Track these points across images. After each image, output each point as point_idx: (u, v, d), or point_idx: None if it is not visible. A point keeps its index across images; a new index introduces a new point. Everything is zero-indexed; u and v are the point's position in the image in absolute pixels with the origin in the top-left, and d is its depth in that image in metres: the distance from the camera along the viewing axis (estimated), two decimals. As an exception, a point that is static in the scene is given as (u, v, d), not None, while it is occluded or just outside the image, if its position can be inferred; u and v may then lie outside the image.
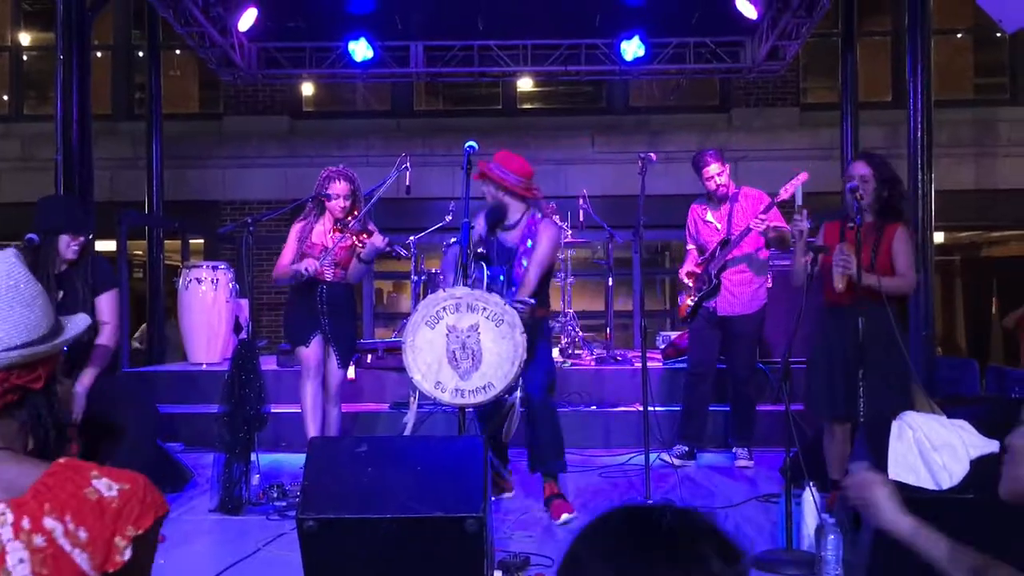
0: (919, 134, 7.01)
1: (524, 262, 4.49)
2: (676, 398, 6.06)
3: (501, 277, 4.38)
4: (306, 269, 4.86)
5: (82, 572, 1.26)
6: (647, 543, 1.00)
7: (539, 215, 4.62)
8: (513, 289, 4.35)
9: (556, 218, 5.36)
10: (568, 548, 1.05)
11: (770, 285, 7.02)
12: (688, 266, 5.67)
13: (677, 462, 5.51)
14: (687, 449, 5.63)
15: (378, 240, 4.90)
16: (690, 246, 5.77)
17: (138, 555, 1.31)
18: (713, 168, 5.45)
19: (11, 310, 1.34)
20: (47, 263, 4.09)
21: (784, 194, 5.15)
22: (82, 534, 1.26)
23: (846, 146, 8.95)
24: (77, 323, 1.46)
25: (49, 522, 1.26)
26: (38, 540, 1.25)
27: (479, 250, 4.58)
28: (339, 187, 4.95)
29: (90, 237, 4.35)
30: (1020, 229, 12.79)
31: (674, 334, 7.31)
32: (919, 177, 6.98)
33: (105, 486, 1.30)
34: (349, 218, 5.00)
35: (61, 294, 4.14)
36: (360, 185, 5.11)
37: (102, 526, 1.27)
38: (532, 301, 4.17)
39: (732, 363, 5.63)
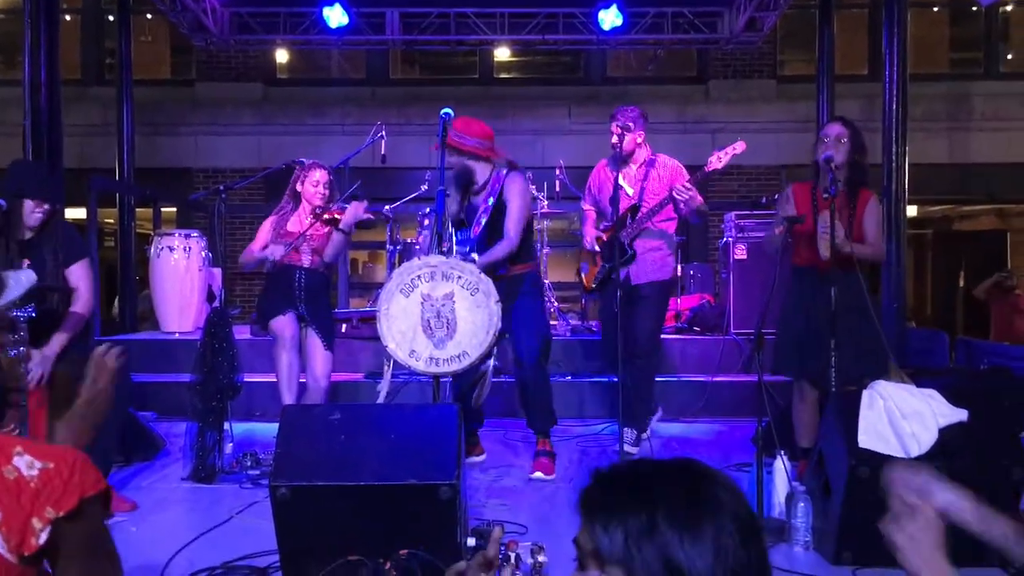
0: (894, 107, 7.05)
1: (483, 221, 4.57)
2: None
3: (467, 248, 4.46)
4: (272, 255, 4.84)
5: None
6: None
7: (503, 171, 4.64)
8: (467, 249, 4.44)
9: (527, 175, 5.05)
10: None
11: (745, 257, 7.10)
12: (593, 231, 5.33)
13: (633, 450, 5.15)
14: (636, 434, 5.23)
15: (357, 207, 4.89)
16: (587, 207, 5.45)
17: (65, 538, 1.25)
18: (615, 125, 5.09)
19: None
20: (11, 228, 4.01)
21: (717, 163, 4.94)
22: None
23: (822, 118, 8.95)
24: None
25: None
26: None
27: (460, 216, 4.63)
28: (317, 175, 4.97)
29: (58, 206, 4.25)
30: (992, 203, 12.92)
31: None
32: (893, 150, 7.03)
33: (26, 464, 1.25)
34: (326, 206, 4.97)
35: (27, 262, 4.07)
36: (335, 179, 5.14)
37: (18, 507, 1.22)
38: (472, 258, 4.24)
39: (637, 333, 5.12)
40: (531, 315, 4.63)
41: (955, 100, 11.38)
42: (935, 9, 12.07)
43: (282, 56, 11.42)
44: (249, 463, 4.72)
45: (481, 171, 4.64)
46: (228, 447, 4.79)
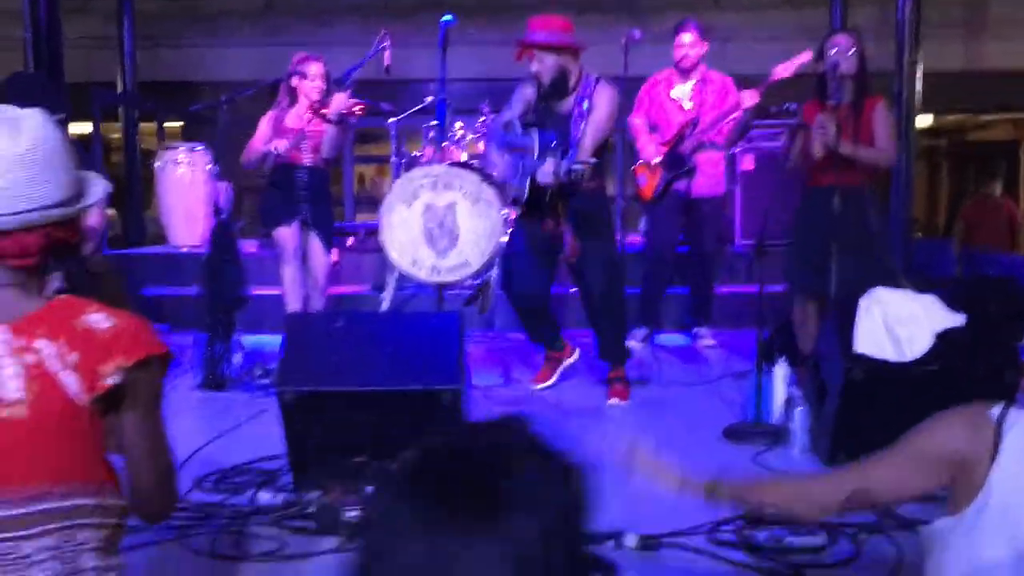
0: (907, 11, 6.91)
1: (581, 126, 4.23)
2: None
3: (553, 143, 4.09)
4: (275, 148, 4.83)
5: (67, 394, 1.33)
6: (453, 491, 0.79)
7: (593, 77, 4.34)
8: (572, 153, 4.09)
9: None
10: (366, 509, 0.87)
11: (752, 168, 7.04)
12: (652, 145, 5.41)
13: (637, 345, 5.37)
14: (647, 331, 5.59)
15: (340, 97, 4.86)
16: (638, 120, 5.50)
17: (132, 387, 1.37)
18: (686, 37, 5.31)
19: (54, 171, 1.40)
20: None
21: (783, 72, 4.94)
22: (71, 357, 1.33)
23: (835, 25, 8.76)
24: (98, 188, 1.50)
25: (40, 343, 1.33)
26: (29, 358, 1.33)
27: (529, 119, 4.34)
28: (313, 68, 4.92)
29: (64, 117, 4.24)
30: (1007, 113, 12.71)
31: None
32: (905, 56, 6.92)
33: (101, 318, 1.37)
34: (325, 99, 4.94)
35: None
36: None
37: (90, 351, 1.34)
38: (592, 160, 3.95)
39: (700, 244, 5.56)
40: (601, 236, 4.38)
41: (971, 5, 11.09)
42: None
43: (284, -35, 11.19)
44: (258, 372, 4.81)
45: (574, 71, 4.31)
46: (237, 357, 4.87)
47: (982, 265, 7.30)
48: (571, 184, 3.89)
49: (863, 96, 4.23)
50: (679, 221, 5.49)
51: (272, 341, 5.71)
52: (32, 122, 1.42)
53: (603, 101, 4.26)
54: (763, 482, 1.87)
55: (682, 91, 5.38)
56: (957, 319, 3.11)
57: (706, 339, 5.68)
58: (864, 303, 3.21)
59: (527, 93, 4.41)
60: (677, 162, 5.32)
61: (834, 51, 4.20)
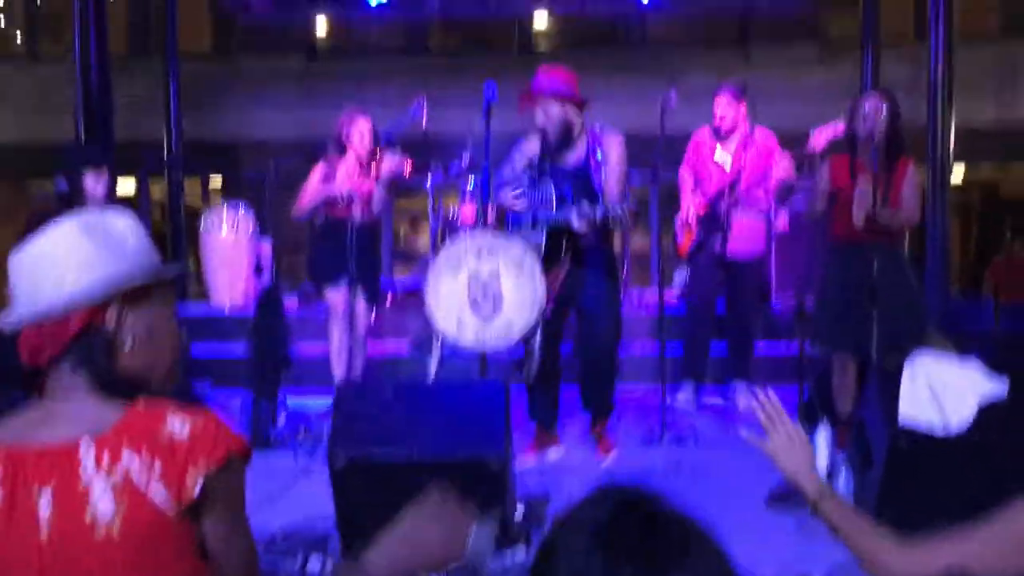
0: (940, 70, 6.97)
1: (602, 174, 4.29)
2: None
3: (570, 194, 4.17)
4: (341, 193, 4.97)
5: (157, 507, 1.32)
6: (638, 547, 0.90)
7: (597, 126, 4.44)
8: (599, 200, 4.14)
9: None
10: (547, 535, 0.98)
11: (787, 227, 7.08)
12: (691, 205, 5.52)
13: (682, 398, 5.57)
14: (692, 387, 5.66)
15: (393, 159, 5.01)
16: (686, 174, 5.61)
17: (217, 490, 1.35)
18: (720, 103, 5.40)
19: (40, 270, 1.40)
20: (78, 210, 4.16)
21: (816, 142, 4.98)
22: (157, 468, 1.32)
23: (866, 83, 8.84)
24: (130, 278, 1.49)
25: (127, 457, 1.32)
26: (117, 474, 1.32)
27: (537, 170, 4.37)
28: (362, 124, 5.07)
29: (114, 176, 4.39)
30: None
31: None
32: (938, 113, 6.96)
33: (180, 422, 1.36)
34: (372, 156, 5.08)
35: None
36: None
37: (174, 460, 1.33)
38: (629, 204, 4.00)
39: (737, 304, 5.64)
40: (607, 292, 4.42)
41: (1003, 62, 11.15)
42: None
43: (322, 29, 11.51)
44: (302, 433, 4.88)
45: (577, 123, 4.37)
46: (281, 418, 4.95)
47: (1020, 321, 7.25)
48: (606, 228, 4.05)
49: (896, 157, 4.28)
50: (717, 278, 5.57)
51: (316, 401, 5.82)
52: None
53: (614, 148, 4.35)
54: (863, 523, 1.79)
55: (724, 151, 5.48)
56: (1000, 389, 3.11)
57: (742, 395, 5.64)
58: (908, 369, 3.22)
59: (529, 148, 4.45)
60: (712, 221, 5.40)
61: (867, 113, 4.24)
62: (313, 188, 5.12)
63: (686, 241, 5.59)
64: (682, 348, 5.74)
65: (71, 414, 1.39)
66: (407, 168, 5.10)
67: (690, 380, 5.66)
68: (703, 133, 5.59)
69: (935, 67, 6.97)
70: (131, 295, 1.44)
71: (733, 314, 5.71)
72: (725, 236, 5.36)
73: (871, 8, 8.83)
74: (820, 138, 4.96)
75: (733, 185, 5.36)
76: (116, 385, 1.43)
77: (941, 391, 3.09)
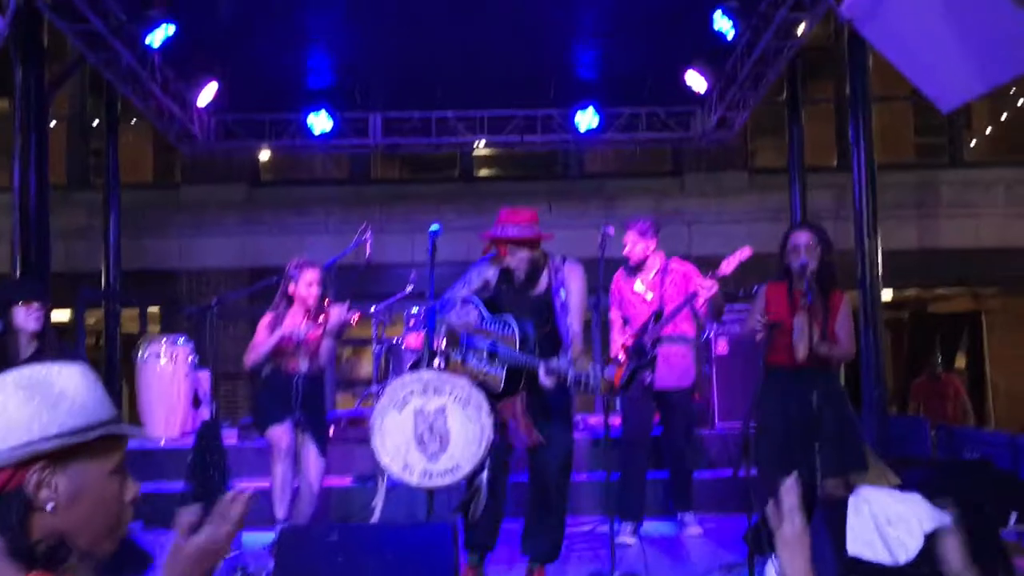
0: (864, 197, 7.29)
1: (568, 320, 4.28)
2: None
3: (532, 334, 4.16)
4: (291, 332, 4.91)
5: None
6: None
7: (559, 258, 4.47)
8: (567, 351, 4.14)
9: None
10: None
11: (726, 351, 7.22)
12: (619, 338, 5.61)
13: (630, 540, 5.37)
14: (632, 525, 5.47)
15: (340, 311, 5.00)
16: (614, 315, 5.73)
17: None
18: (628, 238, 5.52)
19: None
20: (12, 349, 4.07)
21: (726, 268, 5.19)
22: None
23: (795, 209, 9.23)
24: (45, 442, 1.43)
25: None
26: None
27: (498, 302, 4.36)
28: (309, 275, 5.05)
29: (47, 307, 4.31)
30: (963, 287, 13.17)
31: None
32: (865, 239, 7.24)
33: None
34: (320, 306, 5.08)
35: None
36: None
37: None
38: (600, 373, 3.98)
39: (670, 435, 5.65)
40: (564, 424, 4.36)
41: (923, 188, 11.71)
42: (899, 100, 12.50)
43: (266, 156, 11.63)
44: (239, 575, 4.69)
45: (541, 258, 4.42)
46: (219, 560, 4.76)
47: (958, 443, 7.38)
48: (578, 389, 4.01)
49: (830, 290, 4.40)
50: (650, 407, 5.56)
51: (252, 538, 5.62)
52: None
53: (576, 284, 4.36)
54: None
55: (642, 284, 5.55)
56: (943, 519, 3.15)
57: (692, 527, 5.63)
58: (852, 502, 3.26)
59: (487, 273, 4.45)
60: (639, 353, 5.39)
61: (798, 248, 4.37)
62: (261, 339, 5.07)
63: (617, 373, 5.56)
64: (619, 482, 5.55)
65: None
66: (354, 319, 5.09)
67: (629, 520, 5.47)
68: (619, 273, 5.70)
69: (858, 193, 7.30)
70: (60, 453, 1.37)
71: (667, 444, 5.72)
72: (652, 367, 5.31)
73: (796, 140, 9.27)
74: (728, 265, 5.16)
75: (658, 314, 5.40)
76: (29, 550, 1.35)
77: (885, 523, 3.12)
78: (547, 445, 4.20)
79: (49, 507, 1.36)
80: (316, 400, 5.12)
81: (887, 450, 6.67)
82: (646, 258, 5.52)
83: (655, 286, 5.49)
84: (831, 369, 4.30)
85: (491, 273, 4.43)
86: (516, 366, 4.12)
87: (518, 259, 4.32)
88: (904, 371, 13.61)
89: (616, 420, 6.41)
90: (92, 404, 1.43)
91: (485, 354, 4.17)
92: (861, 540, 3.11)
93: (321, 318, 5.00)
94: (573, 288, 4.35)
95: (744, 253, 5.14)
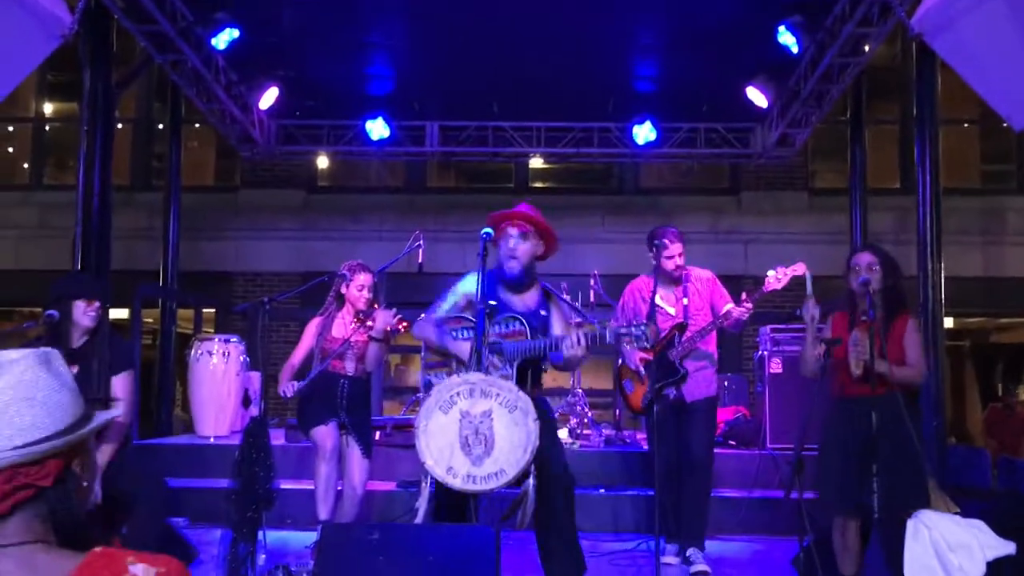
0: (928, 221, 7.07)
1: (542, 327, 4.10)
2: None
3: (536, 324, 4.02)
4: (283, 392, 4.99)
5: None
6: None
7: (546, 284, 4.31)
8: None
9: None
10: None
11: (780, 370, 7.06)
12: (636, 351, 5.20)
13: (673, 560, 5.17)
14: (677, 547, 5.22)
15: (387, 317, 4.96)
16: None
17: None
18: (676, 248, 5.15)
19: (14, 410, 1.35)
20: (62, 337, 4.12)
21: (776, 283, 4.99)
22: None
23: (855, 231, 9.00)
24: (96, 419, 1.45)
25: None
26: None
27: (490, 302, 4.05)
28: (362, 278, 5.07)
29: (106, 306, 4.39)
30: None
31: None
32: (928, 264, 7.03)
33: (142, 571, 1.31)
34: (369, 310, 5.08)
35: (76, 369, 4.17)
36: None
37: None
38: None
39: (694, 448, 5.15)
40: (555, 437, 4.17)
41: (988, 214, 11.42)
42: (966, 125, 12.22)
43: (323, 163, 11.76)
44: (281, 575, 4.68)
45: (533, 271, 4.22)
46: (261, 558, 4.76)
47: (1019, 474, 7.14)
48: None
49: (895, 311, 4.26)
50: (675, 427, 5.17)
51: (296, 538, 5.64)
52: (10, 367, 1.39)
53: (559, 299, 4.28)
54: None
55: (667, 295, 5.23)
56: (1007, 547, 3.03)
57: (699, 565, 5.03)
58: (912, 526, 3.13)
59: (466, 287, 4.23)
60: (667, 370, 5.08)
61: (858, 268, 4.25)
62: (302, 351, 5.11)
63: (638, 391, 5.28)
64: (658, 508, 5.20)
65: (24, 567, 1.31)
66: (402, 327, 5.02)
67: (674, 542, 5.25)
68: (640, 281, 5.38)
69: (923, 217, 7.08)
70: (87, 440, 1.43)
71: (687, 459, 5.17)
72: (683, 382, 5.05)
73: (858, 161, 9.07)
74: (780, 281, 4.99)
75: (682, 327, 5.10)
76: (79, 530, 1.38)
77: (947, 550, 3.00)
78: (548, 463, 3.90)
79: (84, 485, 1.43)
80: (361, 403, 5.12)
81: (945, 480, 6.46)
82: (683, 268, 5.23)
83: (678, 298, 5.21)
84: (895, 395, 4.06)
85: (469, 287, 4.20)
86: (530, 359, 4.02)
87: (521, 250, 4.12)
88: (963, 402, 13.26)
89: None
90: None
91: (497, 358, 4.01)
92: (920, 564, 2.98)
93: (369, 323, 4.99)
94: (557, 301, 4.28)
95: (798, 269, 4.97)
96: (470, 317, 4.17)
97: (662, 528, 5.16)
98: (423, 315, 4.33)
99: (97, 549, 1.33)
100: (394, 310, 5.05)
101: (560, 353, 4.00)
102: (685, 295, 5.20)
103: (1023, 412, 9.73)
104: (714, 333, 5.30)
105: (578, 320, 5.29)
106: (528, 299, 4.20)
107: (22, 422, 1.35)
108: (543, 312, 4.18)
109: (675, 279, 5.22)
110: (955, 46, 4.82)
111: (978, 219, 11.29)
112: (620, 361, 5.51)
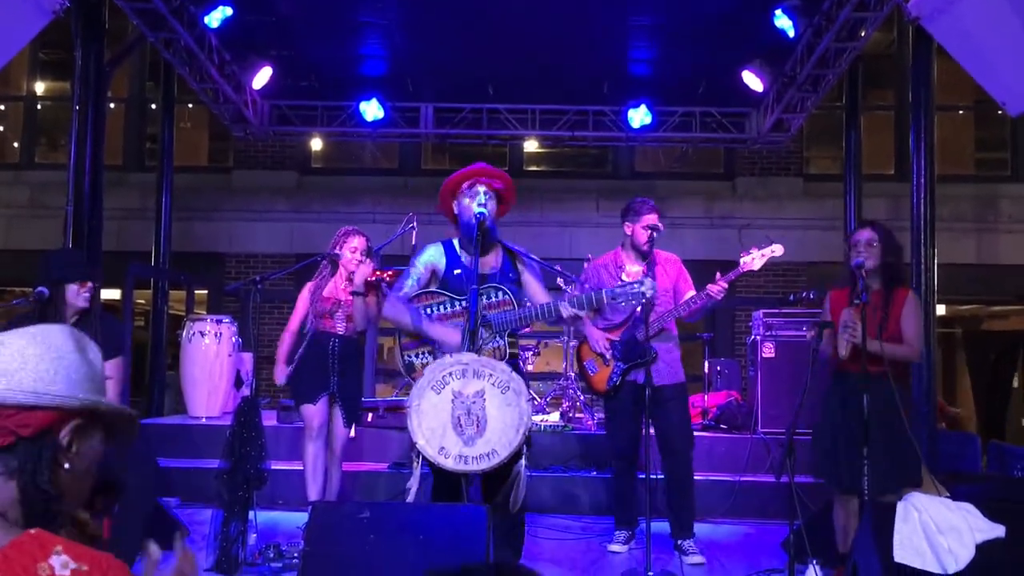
0: (922, 208, 7.05)
1: (515, 293, 3.99)
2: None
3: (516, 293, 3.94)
4: (278, 379, 5.17)
5: None
6: None
7: (505, 241, 4.17)
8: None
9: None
10: None
11: (772, 355, 7.07)
12: (599, 332, 5.09)
13: (621, 548, 5.12)
14: (627, 533, 5.19)
15: (364, 268, 5.00)
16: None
17: None
18: (652, 217, 4.99)
19: (33, 361, 1.35)
20: (55, 316, 4.10)
21: (752, 264, 4.87)
22: None
23: (849, 217, 8.99)
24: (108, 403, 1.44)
25: None
26: None
27: (455, 272, 4.03)
28: (355, 241, 5.12)
29: (98, 285, 4.37)
30: (1021, 304, 12.84)
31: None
32: (922, 251, 7.02)
33: (60, 564, 1.24)
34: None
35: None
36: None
37: None
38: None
39: (670, 437, 4.97)
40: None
41: (982, 202, 11.42)
42: (960, 112, 12.21)
43: (317, 145, 11.70)
44: (272, 555, 4.69)
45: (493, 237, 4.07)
46: (252, 538, 4.77)
47: (1008, 459, 7.15)
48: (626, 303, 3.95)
49: (893, 287, 4.22)
50: (637, 414, 4.94)
51: (287, 518, 5.64)
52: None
53: (531, 264, 4.14)
54: None
55: (633, 273, 5.01)
56: (997, 530, 3.03)
57: (693, 556, 4.92)
58: (901, 508, 3.14)
59: (429, 258, 4.11)
60: (635, 351, 4.94)
61: (857, 246, 4.22)
62: (297, 318, 5.21)
63: (602, 373, 5.10)
64: (614, 494, 5.27)
65: None
66: (387, 275, 5.00)
67: (625, 528, 5.20)
68: (607, 256, 5.24)
69: (917, 204, 7.06)
70: (90, 418, 1.40)
71: (663, 446, 5.01)
72: (652, 364, 4.76)
73: (853, 147, 9.05)
74: (756, 261, 4.88)
75: (649, 307, 4.71)
76: (42, 502, 1.34)
77: (935, 532, 3.00)
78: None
79: (66, 466, 1.38)
80: (352, 364, 5.19)
81: (937, 465, 6.48)
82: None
83: (645, 274, 4.94)
84: (888, 377, 4.03)
85: (433, 256, 4.10)
86: (520, 327, 4.01)
87: (491, 205, 3.98)
88: (954, 388, 13.32)
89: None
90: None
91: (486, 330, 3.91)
92: (909, 547, 2.99)
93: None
94: (528, 267, 4.14)
95: (776, 250, 4.86)
96: (436, 290, 4.07)
97: (621, 517, 5.19)
98: (389, 295, 4.19)
99: (32, 531, 1.28)
100: (372, 262, 5.09)
101: (551, 318, 3.97)
102: (651, 274, 4.95)
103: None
104: (693, 315, 5.09)
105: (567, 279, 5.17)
106: (493, 261, 4.07)
107: (37, 371, 1.35)
108: (511, 275, 4.07)
109: (644, 253, 5.05)
110: (952, 30, 4.80)
111: (972, 206, 11.29)
112: (578, 342, 5.36)
